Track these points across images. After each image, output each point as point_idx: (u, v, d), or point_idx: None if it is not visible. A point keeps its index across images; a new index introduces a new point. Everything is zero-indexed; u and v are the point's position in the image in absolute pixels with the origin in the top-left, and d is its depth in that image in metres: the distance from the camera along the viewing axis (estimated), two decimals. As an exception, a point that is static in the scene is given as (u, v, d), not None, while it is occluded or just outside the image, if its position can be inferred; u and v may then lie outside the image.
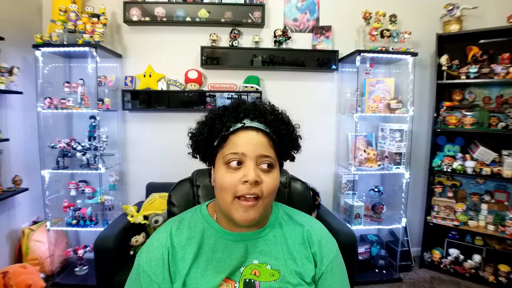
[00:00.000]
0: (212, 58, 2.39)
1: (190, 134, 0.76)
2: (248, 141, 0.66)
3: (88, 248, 2.22)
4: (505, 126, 2.19)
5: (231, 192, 0.64)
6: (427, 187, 2.51)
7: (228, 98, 2.41)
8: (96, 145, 2.16)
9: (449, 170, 2.36)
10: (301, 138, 0.76)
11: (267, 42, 2.48)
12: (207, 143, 0.72)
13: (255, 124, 0.68)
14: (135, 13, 2.30)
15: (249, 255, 0.69)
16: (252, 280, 0.66)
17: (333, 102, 2.58)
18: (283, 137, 0.71)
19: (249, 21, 2.39)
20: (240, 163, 0.65)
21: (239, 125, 0.68)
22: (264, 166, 0.66)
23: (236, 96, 2.41)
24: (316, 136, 2.56)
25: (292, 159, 0.78)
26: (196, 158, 0.77)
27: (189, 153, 0.77)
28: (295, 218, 0.77)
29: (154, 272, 0.66)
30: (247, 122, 0.68)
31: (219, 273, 0.66)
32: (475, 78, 2.28)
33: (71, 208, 2.19)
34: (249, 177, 0.63)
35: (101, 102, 2.16)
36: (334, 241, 0.77)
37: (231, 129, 0.67)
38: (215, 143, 0.70)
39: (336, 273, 0.72)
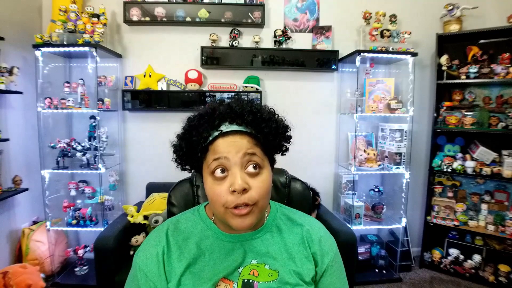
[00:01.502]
0: (212, 58, 2.39)
1: (173, 148, 0.72)
2: (229, 145, 0.63)
3: (88, 248, 2.22)
4: (505, 126, 2.19)
5: (221, 204, 0.62)
6: (427, 187, 2.51)
7: (228, 98, 2.40)
8: (96, 145, 2.16)
9: (449, 170, 2.36)
10: (289, 129, 0.72)
11: (267, 42, 2.48)
12: (190, 156, 0.69)
13: (234, 127, 0.64)
14: (135, 13, 2.30)
15: (247, 256, 0.69)
16: (251, 281, 0.66)
17: (333, 102, 2.58)
18: (267, 134, 0.67)
19: (249, 21, 2.39)
20: (224, 170, 0.62)
21: (216, 133, 0.64)
22: (251, 167, 0.63)
23: (236, 96, 2.40)
24: (316, 136, 2.57)
25: (285, 151, 0.74)
26: (185, 170, 0.75)
27: (177, 167, 0.74)
28: (293, 218, 0.76)
29: (150, 270, 0.65)
30: (225, 128, 0.64)
31: (216, 274, 0.66)
32: (475, 78, 2.28)
33: (71, 208, 2.19)
34: (235, 186, 0.60)
35: (101, 102, 2.16)
36: (333, 239, 0.76)
37: (210, 138, 0.64)
38: (199, 154, 0.67)
39: (336, 271, 0.72)
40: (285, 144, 0.73)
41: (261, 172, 0.65)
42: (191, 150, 0.67)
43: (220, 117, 0.65)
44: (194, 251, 0.68)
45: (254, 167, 0.63)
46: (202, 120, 0.66)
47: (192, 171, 0.74)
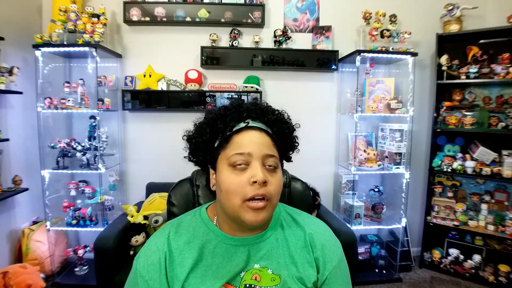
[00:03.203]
0: (212, 58, 2.39)
1: (185, 137, 0.73)
2: (253, 141, 0.65)
3: (88, 248, 2.22)
4: (505, 126, 2.19)
5: (239, 195, 0.62)
6: (427, 187, 2.51)
7: (228, 98, 2.41)
8: (96, 145, 2.16)
9: (449, 170, 2.36)
10: (297, 138, 0.76)
11: (267, 42, 2.48)
12: (207, 144, 0.70)
13: (258, 124, 0.68)
14: (135, 13, 2.30)
15: (250, 260, 0.68)
16: (253, 285, 0.65)
17: (333, 102, 2.58)
18: (285, 137, 0.70)
19: (249, 21, 2.39)
20: (246, 163, 0.64)
21: (242, 124, 0.66)
22: (270, 166, 0.65)
23: (236, 96, 2.41)
24: (316, 136, 2.57)
25: (289, 159, 0.77)
26: (193, 162, 0.75)
27: (184, 157, 0.74)
28: (297, 219, 0.75)
29: (151, 277, 0.64)
30: (250, 122, 0.67)
31: (219, 279, 0.65)
32: (475, 78, 2.28)
33: (71, 208, 2.19)
34: (258, 177, 0.61)
35: (101, 102, 2.16)
36: (338, 244, 0.74)
37: (235, 129, 0.66)
38: (216, 145, 0.68)
39: (339, 279, 0.70)
40: (290, 153, 0.77)
41: (277, 171, 0.67)
42: (213, 137, 0.69)
43: (247, 111, 0.68)
44: (196, 256, 0.67)
45: (273, 166, 0.66)
46: (229, 111, 0.69)
47: (193, 171, 0.74)
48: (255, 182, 0.61)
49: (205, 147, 0.70)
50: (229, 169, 0.64)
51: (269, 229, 0.72)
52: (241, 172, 0.63)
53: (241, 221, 0.64)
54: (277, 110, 0.72)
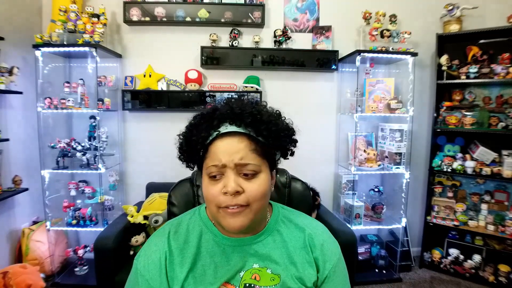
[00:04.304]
0: (212, 58, 2.39)
1: (178, 145, 0.72)
2: (226, 150, 0.62)
3: (88, 248, 2.22)
4: (505, 126, 2.19)
5: (214, 203, 0.63)
6: (427, 187, 2.51)
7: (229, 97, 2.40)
8: (96, 145, 2.16)
9: (449, 170, 2.36)
10: (294, 133, 0.71)
11: (267, 42, 2.48)
12: (191, 154, 0.69)
13: (233, 128, 0.63)
14: (135, 13, 2.30)
15: (249, 260, 0.68)
16: (252, 285, 0.65)
17: (333, 102, 2.58)
18: (267, 137, 0.65)
19: (249, 21, 2.39)
20: (221, 173, 0.63)
21: (214, 134, 0.64)
22: (246, 174, 0.63)
23: (236, 96, 2.40)
24: (316, 136, 2.56)
25: (291, 154, 0.73)
26: (189, 168, 0.74)
27: (183, 163, 0.73)
28: (295, 221, 0.75)
29: (152, 277, 0.65)
30: (223, 129, 0.64)
31: (218, 278, 0.65)
32: (475, 78, 2.28)
33: (71, 208, 2.19)
34: (228, 188, 0.61)
35: (101, 102, 2.16)
36: (336, 244, 0.75)
37: (210, 139, 0.64)
38: (201, 153, 0.67)
39: (338, 277, 0.70)
40: (290, 147, 0.72)
41: (258, 176, 0.64)
42: (191, 148, 0.67)
43: (220, 118, 0.64)
44: (195, 255, 0.67)
45: (249, 174, 0.63)
46: (203, 119, 0.66)
47: (193, 170, 0.74)
48: (226, 193, 0.62)
49: (188, 157, 0.70)
50: (207, 180, 0.65)
51: (266, 231, 0.72)
52: (216, 181, 0.64)
53: (222, 226, 0.66)
54: (256, 110, 0.65)
